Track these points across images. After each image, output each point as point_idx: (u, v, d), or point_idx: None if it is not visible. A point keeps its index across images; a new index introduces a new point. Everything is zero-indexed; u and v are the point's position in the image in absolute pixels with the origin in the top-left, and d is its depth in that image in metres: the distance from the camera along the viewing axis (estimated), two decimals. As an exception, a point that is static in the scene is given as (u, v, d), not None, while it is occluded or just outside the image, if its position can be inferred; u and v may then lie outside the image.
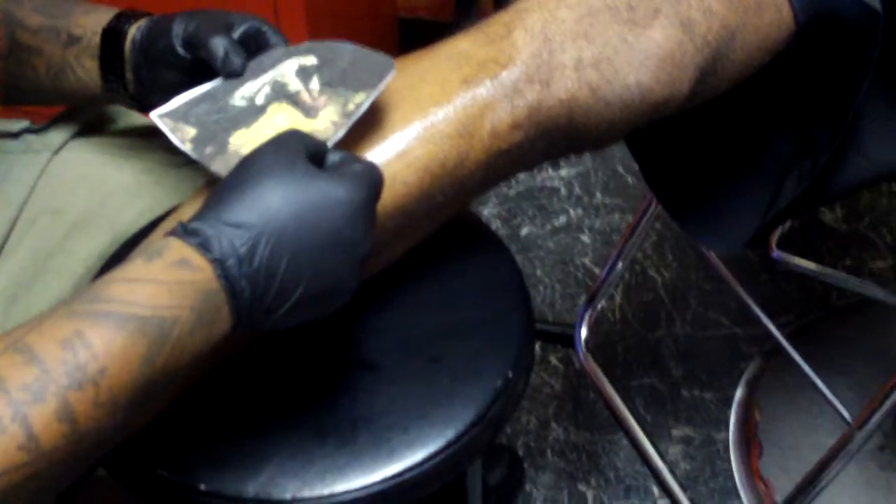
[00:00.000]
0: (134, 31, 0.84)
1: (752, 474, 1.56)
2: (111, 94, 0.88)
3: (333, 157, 0.68)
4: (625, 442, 1.58)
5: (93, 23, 0.86)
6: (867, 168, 0.95)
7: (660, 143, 1.06)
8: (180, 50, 0.80)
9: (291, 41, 0.81)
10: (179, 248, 0.60)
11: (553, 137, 0.79)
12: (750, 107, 0.96)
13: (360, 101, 0.73)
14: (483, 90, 0.76)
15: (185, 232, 0.61)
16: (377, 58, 0.76)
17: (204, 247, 0.60)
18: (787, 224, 1.81)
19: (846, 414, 1.26)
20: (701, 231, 1.05)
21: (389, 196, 0.72)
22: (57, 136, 0.97)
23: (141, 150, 0.98)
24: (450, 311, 0.83)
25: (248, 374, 0.77)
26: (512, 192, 2.04)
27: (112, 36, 0.85)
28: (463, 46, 0.79)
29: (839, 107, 0.89)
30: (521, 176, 2.06)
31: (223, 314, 0.61)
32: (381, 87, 0.73)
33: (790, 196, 0.93)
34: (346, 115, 0.73)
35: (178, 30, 0.80)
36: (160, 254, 0.59)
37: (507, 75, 0.76)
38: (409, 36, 2.18)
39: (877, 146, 0.95)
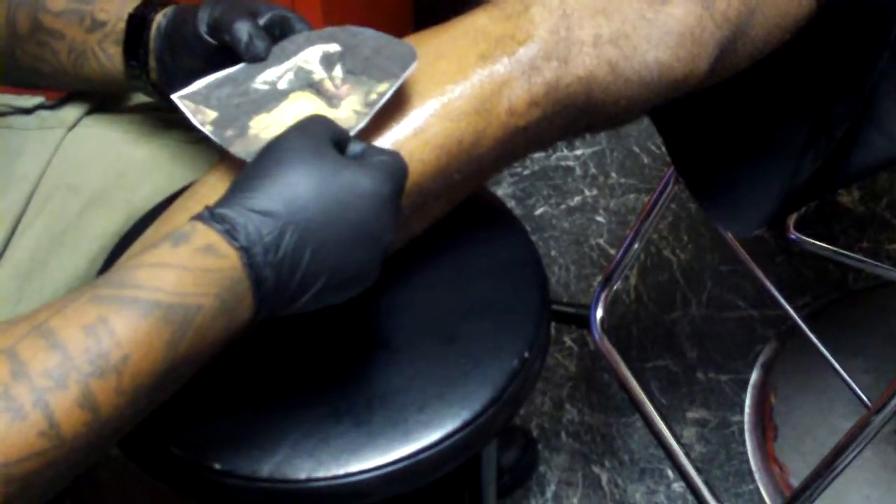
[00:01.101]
0: (160, 17, 0.84)
1: (767, 457, 1.55)
2: (132, 82, 0.88)
3: (355, 147, 0.68)
4: (639, 424, 1.57)
5: (118, 8, 0.86)
6: (889, 147, 0.94)
7: (684, 120, 1.05)
8: (205, 35, 0.80)
9: (306, 16, 0.81)
10: (206, 234, 0.60)
11: (571, 115, 0.78)
12: (769, 84, 0.95)
13: (383, 91, 0.73)
14: (500, 67, 0.75)
15: (211, 217, 0.60)
16: (400, 46, 0.76)
17: (230, 234, 0.60)
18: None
19: (864, 397, 1.25)
20: (720, 211, 1.04)
21: None
22: (72, 112, 0.97)
23: (156, 127, 0.98)
24: (466, 291, 0.83)
25: (263, 352, 0.77)
26: (526, 172, 2.03)
27: (137, 22, 0.85)
28: (480, 22, 0.78)
29: (856, 82, 0.88)
30: (536, 155, 2.05)
31: (246, 302, 0.61)
32: (404, 77, 0.73)
33: (806, 175, 0.93)
34: (369, 104, 0.72)
35: (203, 15, 0.80)
36: (186, 239, 0.59)
37: (525, 52, 0.76)
38: (424, 12, 2.17)
39: None
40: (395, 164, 0.66)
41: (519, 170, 2.03)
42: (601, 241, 1.90)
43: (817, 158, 0.91)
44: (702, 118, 1.02)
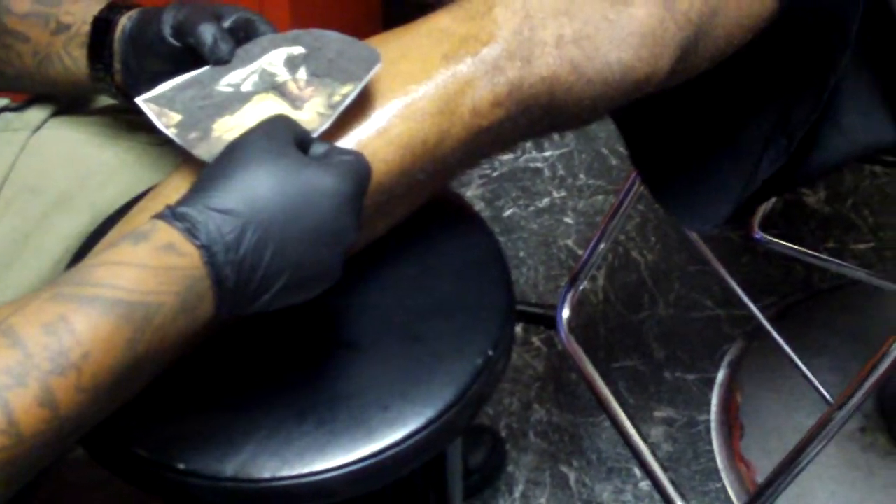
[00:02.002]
0: (124, 20, 0.84)
1: (733, 456, 1.56)
2: (97, 85, 0.87)
3: (318, 148, 0.68)
4: (607, 423, 1.58)
5: (83, 11, 0.86)
6: (847, 147, 0.95)
7: (646, 121, 1.06)
8: (169, 38, 0.80)
9: (274, 18, 0.81)
10: (167, 232, 0.60)
11: (534, 115, 0.78)
12: (731, 85, 0.96)
13: (347, 93, 0.73)
14: (464, 67, 0.76)
15: (172, 215, 0.60)
16: (363, 49, 0.76)
17: (191, 232, 0.60)
18: (769, 206, 1.81)
19: (826, 394, 1.26)
20: (680, 210, 1.05)
21: None
22: (36, 114, 0.97)
23: (121, 129, 0.98)
24: (430, 290, 0.83)
25: (226, 352, 0.77)
26: (495, 174, 2.04)
27: (102, 25, 0.85)
28: (444, 23, 0.78)
29: (817, 83, 0.89)
30: (505, 157, 2.06)
31: (206, 301, 0.61)
32: (368, 79, 0.73)
33: (766, 173, 0.94)
34: (332, 106, 0.73)
35: (167, 18, 0.80)
36: (147, 237, 0.59)
37: (488, 52, 0.76)
38: (394, 12, 2.17)
39: (857, 125, 0.95)
40: (357, 164, 0.67)
41: (488, 171, 2.04)
42: (569, 242, 1.91)
43: (778, 158, 0.92)
44: (663, 116, 1.03)
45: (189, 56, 0.78)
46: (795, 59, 0.92)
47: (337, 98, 0.73)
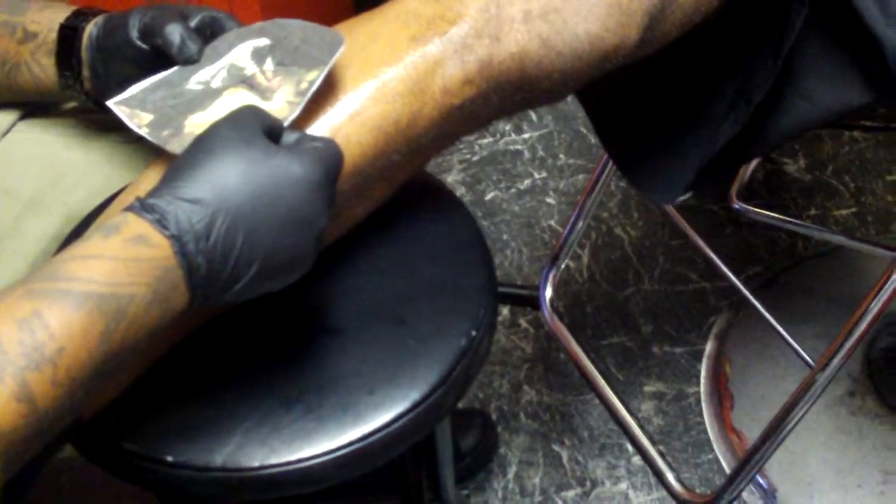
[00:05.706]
0: (91, 27, 0.84)
1: (724, 426, 1.57)
2: (66, 92, 0.88)
3: (290, 136, 0.69)
4: (598, 401, 1.58)
5: (49, 19, 0.86)
6: (813, 112, 0.95)
7: (609, 95, 1.06)
8: (137, 41, 0.80)
9: (244, 14, 0.81)
10: (136, 224, 0.60)
11: (506, 91, 0.78)
12: (694, 54, 0.96)
13: (313, 79, 0.73)
14: (433, 47, 0.76)
15: (142, 207, 0.61)
16: (327, 33, 0.76)
17: (161, 223, 0.60)
18: (749, 175, 1.82)
19: (809, 359, 1.26)
20: (644, 182, 1.05)
21: (345, 157, 0.72)
22: (5, 117, 0.96)
23: (91, 129, 0.98)
24: (412, 274, 0.84)
25: (211, 343, 0.77)
26: (475, 158, 2.04)
27: (69, 32, 0.85)
28: (411, 5, 0.78)
29: (775, 46, 0.89)
30: (484, 140, 2.06)
31: (179, 291, 0.61)
32: (332, 63, 0.74)
33: (726, 138, 0.94)
34: (301, 93, 0.73)
35: (134, 21, 0.80)
36: (117, 229, 0.60)
37: (456, 31, 0.76)
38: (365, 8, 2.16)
39: (822, 90, 0.95)
40: (327, 150, 0.67)
41: (468, 156, 2.04)
42: (552, 222, 1.91)
43: (737, 123, 0.92)
44: (626, 88, 1.03)
45: (157, 58, 0.79)
46: (756, 27, 0.92)
47: (304, 85, 0.73)
